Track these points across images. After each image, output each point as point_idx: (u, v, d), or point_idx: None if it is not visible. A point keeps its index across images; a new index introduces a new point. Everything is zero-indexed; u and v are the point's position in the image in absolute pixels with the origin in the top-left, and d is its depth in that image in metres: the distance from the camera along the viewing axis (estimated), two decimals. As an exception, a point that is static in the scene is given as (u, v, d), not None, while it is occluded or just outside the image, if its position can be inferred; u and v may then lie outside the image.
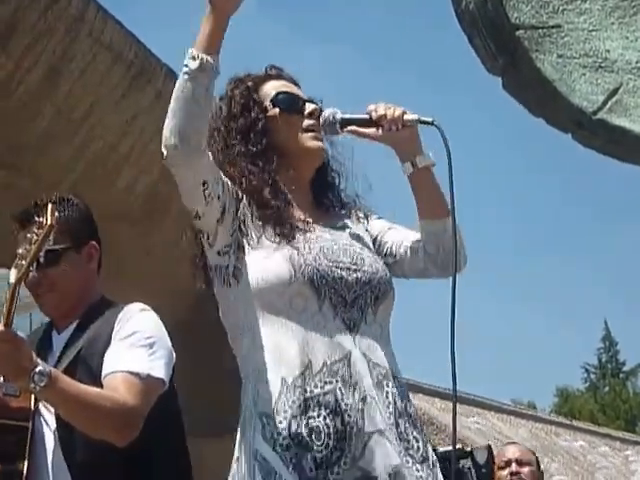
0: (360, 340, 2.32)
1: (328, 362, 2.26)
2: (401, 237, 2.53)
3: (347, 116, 2.46)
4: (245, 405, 2.31)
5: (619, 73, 3.97)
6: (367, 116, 2.44)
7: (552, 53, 3.95)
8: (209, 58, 2.23)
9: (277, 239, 2.37)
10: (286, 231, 2.39)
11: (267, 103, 2.51)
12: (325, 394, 2.23)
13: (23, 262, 2.58)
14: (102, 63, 6.91)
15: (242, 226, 2.39)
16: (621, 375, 32.36)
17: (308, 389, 2.23)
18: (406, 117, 2.40)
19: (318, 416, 2.21)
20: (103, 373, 2.69)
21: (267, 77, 2.58)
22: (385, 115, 2.40)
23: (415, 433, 2.36)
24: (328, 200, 2.58)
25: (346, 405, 2.23)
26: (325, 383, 2.24)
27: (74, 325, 2.87)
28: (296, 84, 2.60)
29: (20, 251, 2.60)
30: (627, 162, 4.00)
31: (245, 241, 2.38)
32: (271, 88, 2.55)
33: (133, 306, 2.86)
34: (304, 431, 2.20)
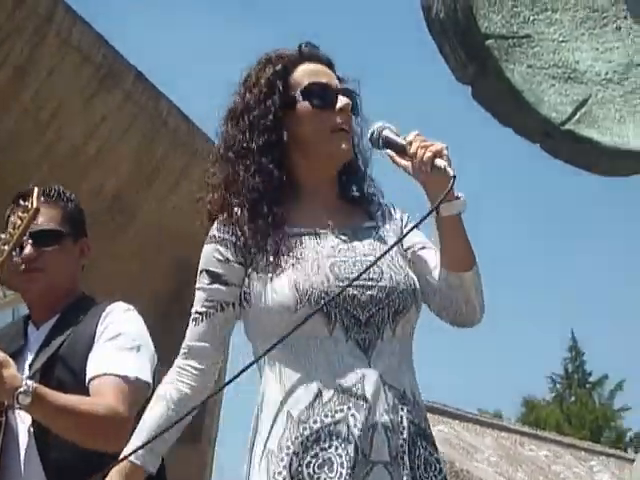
0: (376, 360, 2.16)
1: (340, 389, 2.12)
2: (430, 267, 2.32)
3: (391, 136, 2.27)
4: (254, 436, 2.21)
5: (588, 84, 3.98)
6: (406, 145, 2.25)
7: (522, 63, 3.95)
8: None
9: (282, 257, 2.22)
10: (295, 244, 2.24)
11: (297, 93, 2.31)
12: (337, 423, 2.09)
13: (5, 247, 2.55)
14: (70, 64, 6.85)
15: (247, 261, 2.26)
16: (587, 385, 32.26)
17: (319, 419, 2.10)
18: (436, 162, 2.19)
19: (329, 447, 2.08)
20: (89, 375, 2.65)
21: (300, 59, 2.37)
22: (416, 154, 2.21)
23: (436, 455, 2.24)
24: (355, 193, 2.41)
25: (359, 431, 2.09)
26: (336, 412, 2.10)
27: (54, 320, 2.82)
28: (330, 64, 2.40)
29: (2, 235, 2.58)
30: (594, 173, 4.01)
31: (250, 268, 2.24)
32: (303, 74, 2.34)
33: (117, 306, 2.81)
34: (305, 471, 2.07)
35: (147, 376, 2.70)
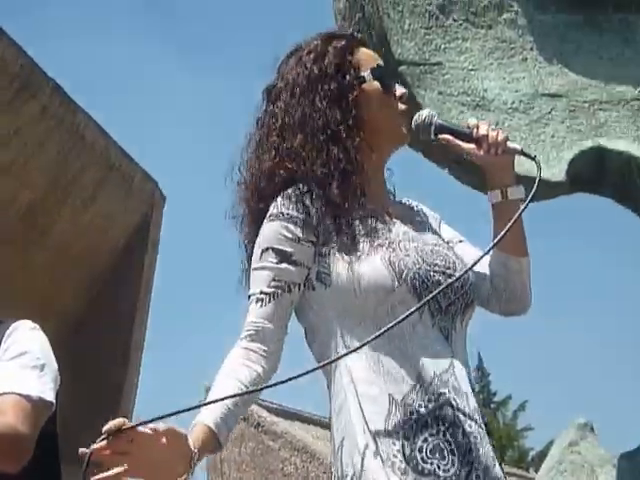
0: (455, 350, 2.12)
1: (437, 373, 2.04)
2: (473, 256, 2.25)
3: (445, 123, 2.27)
4: (345, 422, 2.05)
5: (495, 112, 4.11)
6: (467, 130, 2.22)
7: (433, 90, 4.07)
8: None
9: (367, 238, 2.13)
10: (373, 225, 2.16)
11: (366, 73, 2.24)
12: (441, 407, 2.01)
13: None
14: (-14, 73, 6.80)
15: (319, 240, 2.14)
16: (492, 405, 32.26)
17: (423, 404, 2.01)
18: (509, 144, 2.19)
19: (437, 432, 1.99)
20: None
21: (358, 42, 2.32)
22: (487, 136, 2.18)
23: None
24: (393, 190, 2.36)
25: (464, 415, 2.02)
26: (439, 395, 2.02)
27: None
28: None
29: None
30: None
31: (325, 247, 2.13)
32: (366, 56, 2.29)
33: (22, 324, 2.76)
34: (418, 455, 1.97)
35: (50, 396, 2.66)
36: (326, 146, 2.17)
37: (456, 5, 4.36)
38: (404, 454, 1.96)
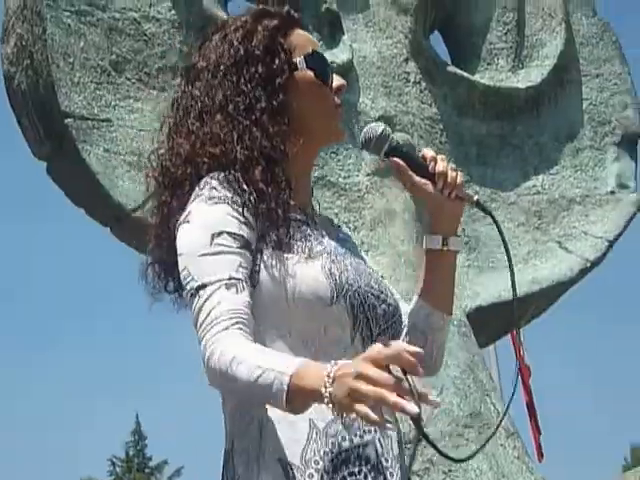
0: None
1: None
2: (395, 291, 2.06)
3: (402, 146, 2.05)
4: (245, 446, 1.79)
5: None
6: (422, 161, 1.97)
7: (99, 146, 3.96)
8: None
9: (301, 242, 1.87)
10: (306, 230, 1.91)
11: (298, 58, 1.98)
12: (365, 446, 1.78)
13: None
14: None
15: (257, 230, 1.85)
16: (147, 470, 33.30)
17: (347, 437, 1.77)
18: (466, 190, 1.99)
19: (359, 472, 1.76)
20: None
21: (294, 22, 2.05)
22: (446, 174, 1.94)
23: None
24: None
25: (386, 461, 1.80)
26: (364, 432, 1.79)
27: None
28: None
29: None
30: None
31: (260, 243, 1.84)
32: (301, 39, 2.02)
33: None
34: None
35: None
36: (248, 130, 1.91)
37: (130, 64, 4.20)
38: None
